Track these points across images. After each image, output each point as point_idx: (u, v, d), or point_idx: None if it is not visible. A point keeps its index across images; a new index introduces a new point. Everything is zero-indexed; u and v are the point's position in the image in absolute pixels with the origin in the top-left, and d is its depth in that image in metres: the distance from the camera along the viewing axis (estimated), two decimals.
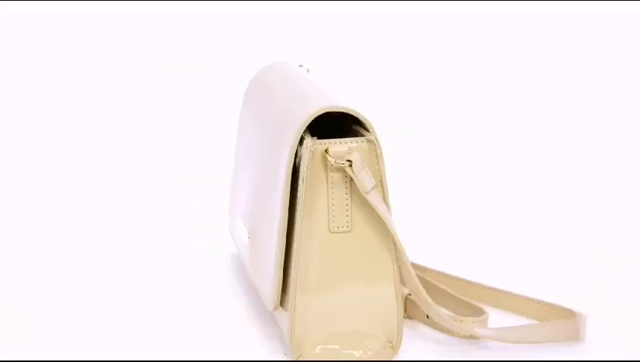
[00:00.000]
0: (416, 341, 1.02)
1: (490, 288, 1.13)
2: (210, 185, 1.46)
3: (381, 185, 0.94)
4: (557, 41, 1.83)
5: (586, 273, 1.24)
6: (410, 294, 1.09)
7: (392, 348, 0.97)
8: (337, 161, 0.92)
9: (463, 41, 1.84)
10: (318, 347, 0.96)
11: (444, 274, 1.17)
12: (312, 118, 0.94)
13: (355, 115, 0.95)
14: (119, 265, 1.24)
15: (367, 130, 0.95)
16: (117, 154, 1.69)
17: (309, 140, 0.93)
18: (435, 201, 1.55)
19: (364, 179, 0.92)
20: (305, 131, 0.94)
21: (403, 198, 1.15)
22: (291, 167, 0.94)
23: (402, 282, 0.98)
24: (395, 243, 0.94)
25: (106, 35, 1.77)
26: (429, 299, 0.97)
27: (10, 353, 0.97)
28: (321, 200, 0.94)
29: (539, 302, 1.09)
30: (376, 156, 0.94)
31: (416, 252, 1.11)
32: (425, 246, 1.24)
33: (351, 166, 0.93)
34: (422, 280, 1.12)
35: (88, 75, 1.77)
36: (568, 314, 1.06)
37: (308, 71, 1.19)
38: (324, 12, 1.81)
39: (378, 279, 0.96)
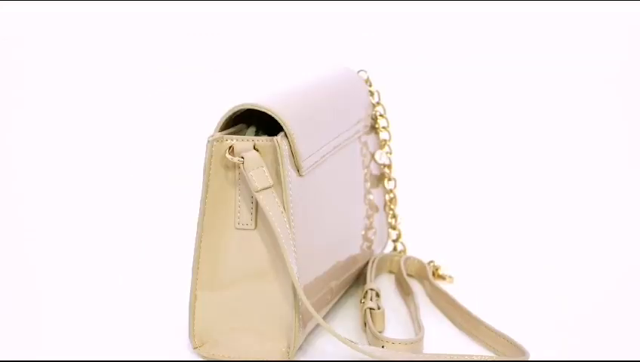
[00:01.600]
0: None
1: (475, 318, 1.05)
2: None
3: (280, 187, 0.93)
4: (557, 42, 1.78)
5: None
6: (372, 309, 1.05)
7: (287, 352, 0.95)
8: (232, 158, 0.93)
9: (466, 41, 1.77)
10: (221, 339, 0.97)
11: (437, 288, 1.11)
12: (227, 116, 0.96)
13: (270, 114, 0.94)
14: (108, 266, 1.26)
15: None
16: (114, 155, 1.69)
17: (214, 135, 0.94)
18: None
19: (253, 178, 0.92)
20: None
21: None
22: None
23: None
24: (281, 250, 0.92)
25: (106, 36, 1.77)
26: (315, 313, 0.93)
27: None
28: (227, 195, 0.95)
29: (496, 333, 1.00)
30: (279, 157, 0.93)
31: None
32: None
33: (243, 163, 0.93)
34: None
35: (89, 77, 1.77)
36: (518, 353, 0.96)
37: (366, 80, 1.21)
38: (322, 12, 1.76)
39: (278, 279, 0.94)
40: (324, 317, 1.07)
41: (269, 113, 0.94)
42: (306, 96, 1.04)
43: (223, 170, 0.95)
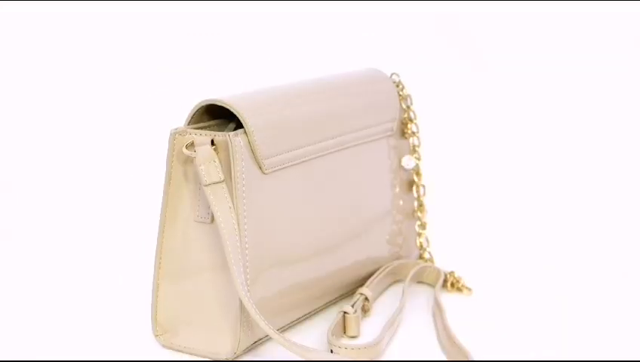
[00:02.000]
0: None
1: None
2: None
3: (231, 182, 0.93)
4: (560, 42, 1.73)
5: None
6: (346, 312, 1.04)
7: (233, 352, 0.96)
8: (186, 151, 0.94)
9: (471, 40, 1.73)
10: (181, 330, 0.99)
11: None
12: (194, 111, 0.98)
13: (229, 108, 0.96)
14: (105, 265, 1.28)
15: None
16: (115, 156, 1.68)
17: (178, 128, 0.96)
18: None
19: (203, 172, 0.93)
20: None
21: None
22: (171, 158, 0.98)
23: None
24: (223, 245, 0.93)
25: (105, 36, 1.73)
26: (254, 312, 0.92)
27: None
28: (187, 188, 0.97)
29: None
30: (230, 153, 0.94)
31: None
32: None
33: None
34: None
35: (87, 77, 1.73)
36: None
37: (398, 83, 1.20)
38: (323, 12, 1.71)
39: (230, 276, 0.95)
40: (304, 319, 1.06)
41: (228, 108, 0.95)
42: (290, 96, 1.04)
43: (183, 163, 0.96)
